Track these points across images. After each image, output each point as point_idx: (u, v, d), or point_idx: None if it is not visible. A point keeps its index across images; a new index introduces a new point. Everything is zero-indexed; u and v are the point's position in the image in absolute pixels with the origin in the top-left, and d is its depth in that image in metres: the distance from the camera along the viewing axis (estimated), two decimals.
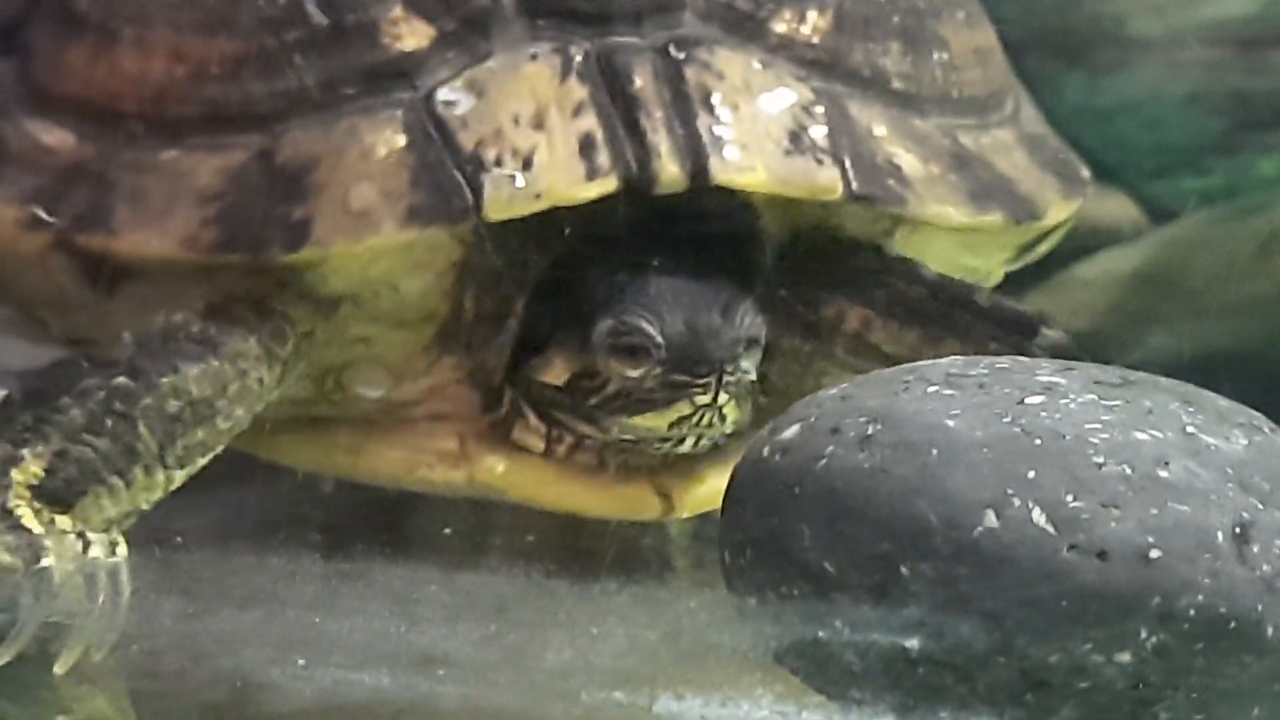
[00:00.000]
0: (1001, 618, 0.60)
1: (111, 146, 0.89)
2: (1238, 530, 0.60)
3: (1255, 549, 0.60)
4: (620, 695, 0.65)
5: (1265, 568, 0.60)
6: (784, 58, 0.92)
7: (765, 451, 0.66)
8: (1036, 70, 1.51)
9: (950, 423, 0.63)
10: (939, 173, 0.93)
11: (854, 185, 0.88)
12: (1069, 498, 0.60)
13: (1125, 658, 0.60)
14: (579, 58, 0.87)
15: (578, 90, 0.86)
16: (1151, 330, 1.32)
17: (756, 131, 0.87)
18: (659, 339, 0.84)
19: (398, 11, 0.88)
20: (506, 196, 0.84)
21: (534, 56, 0.87)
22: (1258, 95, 1.49)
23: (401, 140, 0.86)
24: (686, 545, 1.02)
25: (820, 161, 0.88)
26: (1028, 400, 0.63)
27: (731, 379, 0.84)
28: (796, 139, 0.88)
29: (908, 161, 0.92)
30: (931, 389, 0.64)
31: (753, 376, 0.86)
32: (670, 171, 0.84)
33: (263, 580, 0.83)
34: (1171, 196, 1.46)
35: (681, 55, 0.88)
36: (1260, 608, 0.60)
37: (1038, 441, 0.61)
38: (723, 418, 0.86)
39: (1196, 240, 1.35)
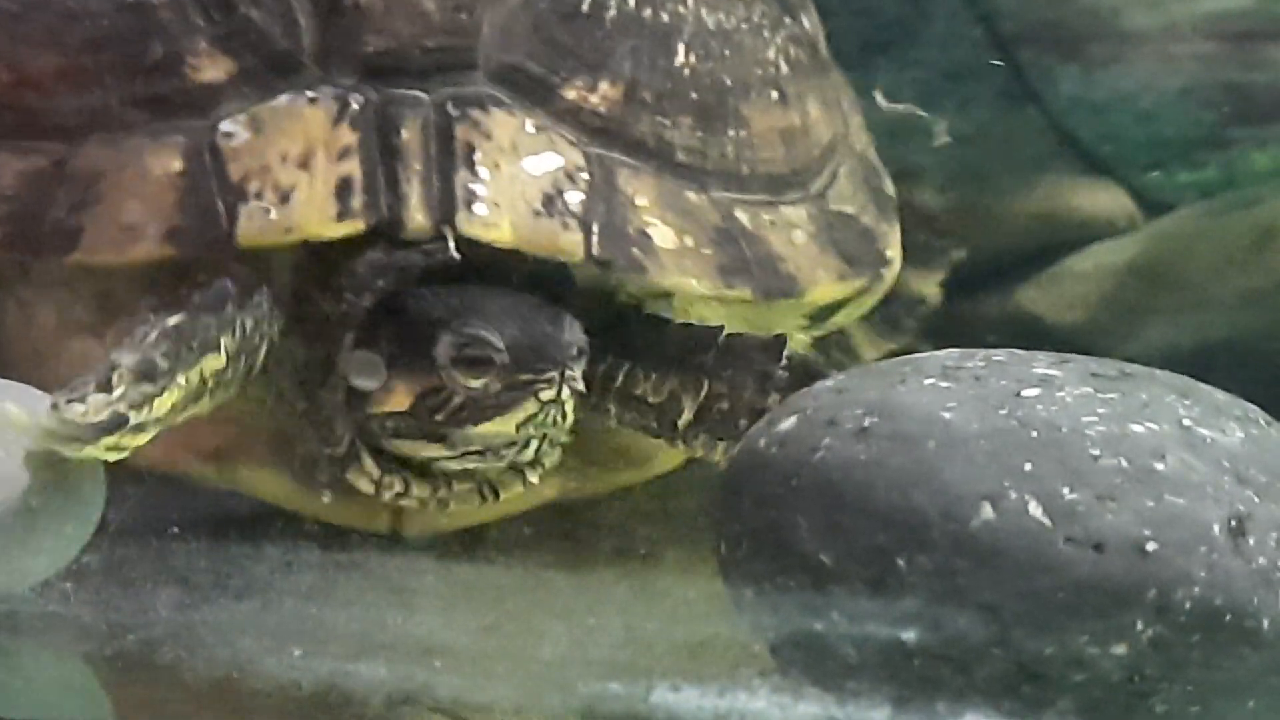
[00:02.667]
0: (998, 610, 0.59)
1: None
2: (1234, 523, 0.60)
3: (1251, 542, 0.60)
4: (617, 686, 0.65)
5: (1261, 560, 0.60)
6: (567, 123, 0.95)
7: (762, 444, 0.66)
8: (1031, 64, 1.51)
9: (947, 415, 0.62)
10: (693, 245, 0.95)
11: (595, 250, 0.91)
12: (1065, 490, 0.60)
13: (1121, 650, 0.59)
14: (355, 105, 0.91)
15: (347, 136, 0.90)
16: (1146, 323, 1.32)
17: (511, 191, 0.90)
18: (500, 345, 0.86)
19: (202, 45, 0.92)
20: (258, 227, 0.88)
21: (313, 100, 0.91)
22: (1252, 88, 1.49)
23: (178, 165, 0.90)
24: (683, 537, 1.02)
25: (566, 225, 0.91)
26: (1024, 393, 0.63)
27: (571, 374, 0.87)
28: (550, 201, 0.91)
29: (661, 233, 0.95)
30: (928, 381, 0.64)
31: (582, 386, 0.88)
32: (417, 220, 0.88)
33: (259, 570, 0.82)
34: (1165, 190, 1.46)
35: (456, 113, 0.92)
36: (1256, 600, 0.60)
37: (1034, 434, 0.61)
38: (564, 415, 0.89)
39: (1191, 233, 1.35)
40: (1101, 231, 1.40)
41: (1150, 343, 1.29)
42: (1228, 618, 0.60)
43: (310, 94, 0.91)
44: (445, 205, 0.89)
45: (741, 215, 0.99)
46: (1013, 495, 0.60)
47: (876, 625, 0.61)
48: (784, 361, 0.93)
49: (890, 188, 1.13)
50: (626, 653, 0.72)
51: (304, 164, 0.89)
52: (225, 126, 0.91)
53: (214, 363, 0.86)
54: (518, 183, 0.91)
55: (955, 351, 0.67)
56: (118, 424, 0.80)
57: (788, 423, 0.66)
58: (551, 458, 0.93)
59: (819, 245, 1.02)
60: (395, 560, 0.86)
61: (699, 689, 0.65)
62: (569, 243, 0.91)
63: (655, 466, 1.03)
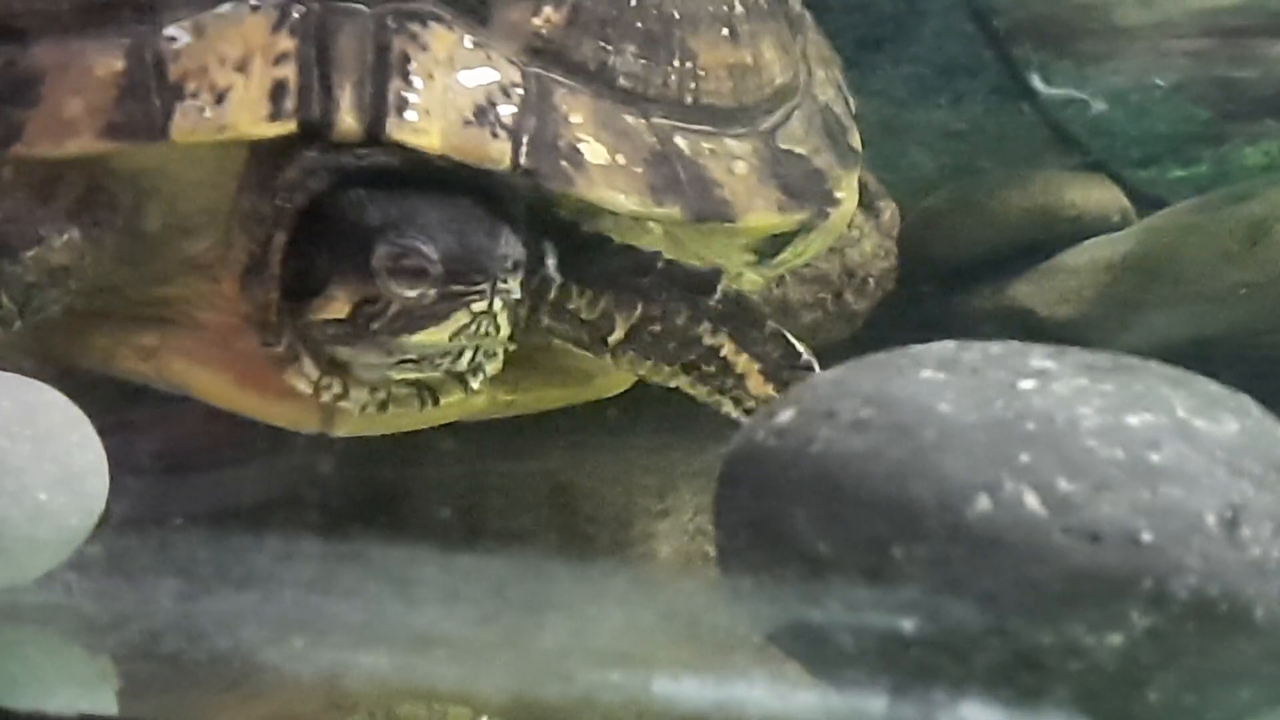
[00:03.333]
0: (995, 599, 0.59)
1: None
2: (1228, 514, 0.60)
3: (1246, 532, 0.60)
4: (617, 676, 0.65)
5: (1256, 551, 0.60)
6: (507, 40, 0.98)
7: (760, 435, 0.66)
8: (1025, 59, 1.52)
9: (944, 407, 0.62)
10: (625, 164, 0.98)
11: (522, 159, 0.94)
12: (1061, 481, 0.60)
13: (1117, 639, 0.59)
14: (295, 15, 0.94)
15: (285, 42, 0.93)
16: (1140, 318, 1.32)
17: (444, 100, 0.94)
18: (434, 256, 0.89)
19: None
20: (191, 125, 0.91)
21: (255, 9, 0.94)
22: (1244, 85, 1.49)
23: (119, 65, 0.93)
24: (680, 528, 1.02)
25: (495, 135, 0.94)
26: (1020, 385, 0.63)
27: (504, 286, 0.89)
28: (482, 113, 0.94)
29: (593, 149, 0.98)
30: (925, 374, 0.64)
31: (517, 295, 0.91)
32: (347, 123, 0.92)
33: (261, 561, 0.83)
34: (1159, 185, 1.46)
35: (394, 25, 0.95)
36: (1251, 590, 0.60)
37: (1030, 426, 0.61)
38: (497, 327, 0.92)
39: (1184, 228, 1.35)
40: (1095, 227, 1.40)
41: (1144, 337, 1.29)
42: (1223, 607, 0.59)
43: (253, 2, 0.94)
44: (376, 110, 0.92)
45: (680, 141, 1.01)
46: (1009, 486, 0.60)
47: (874, 615, 0.61)
48: (718, 293, 0.99)
49: (856, 143, 1.14)
50: (626, 642, 0.72)
51: (241, 67, 0.92)
52: (169, 31, 0.94)
53: None
54: (450, 93, 0.94)
55: (951, 344, 0.66)
56: None
57: (785, 415, 0.65)
58: (491, 365, 0.96)
59: (759, 177, 1.04)
60: (396, 551, 0.86)
61: (698, 678, 0.65)
62: (497, 151, 0.94)
63: (596, 387, 1.07)
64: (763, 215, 1.03)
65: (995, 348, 0.65)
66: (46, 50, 0.94)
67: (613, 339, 0.99)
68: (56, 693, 0.75)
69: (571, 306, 0.99)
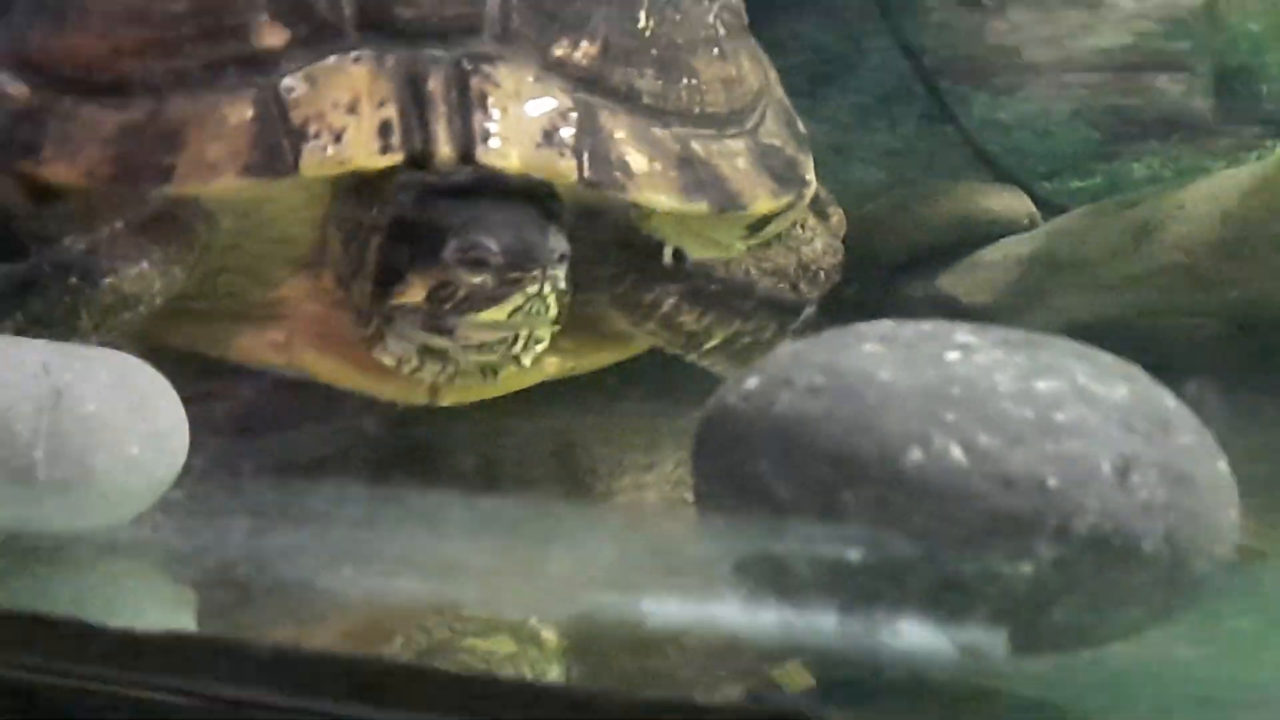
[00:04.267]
0: (926, 535, 0.59)
1: (48, 99, 0.97)
2: (1120, 463, 0.59)
3: (1135, 478, 0.59)
4: (612, 597, 0.65)
5: (1143, 494, 0.59)
6: (557, 75, 0.99)
7: (731, 398, 0.65)
8: (950, 90, 1.51)
9: (884, 374, 0.62)
10: (662, 169, 0.99)
11: (586, 173, 0.96)
12: (981, 436, 0.59)
13: (1028, 568, 0.59)
14: (390, 63, 0.94)
15: (385, 87, 0.93)
16: (1045, 304, 1.32)
17: (518, 128, 0.94)
18: (495, 249, 0.89)
19: (264, 18, 0.96)
20: (318, 161, 0.92)
21: (357, 59, 0.95)
22: (1130, 111, 1.49)
23: (250, 113, 0.93)
24: (665, 477, 1.02)
25: (563, 154, 0.95)
26: (947, 356, 0.62)
27: (552, 273, 0.91)
28: (549, 136, 0.95)
29: (636, 160, 0.99)
30: (868, 348, 0.63)
31: (564, 284, 0.92)
32: (445, 153, 0.93)
33: (316, 504, 0.82)
34: (1060, 194, 1.46)
35: (470, 67, 0.95)
36: (1139, 527, 0.59)
37: (955, 390, 0.61)
38: (547, 308, 0.92)
39: (1081, 230, 1.35)
40: (1007, 229, 1.41)
41: (1049, 319, 1.29)
42: (1116, 542, 0.59)
43: (354, 54, 0.94)
44: (466, 140, 0.93)
45: (695, 146, 1.03)
46: (937, 440, 0.59)
47: (825, 547, 0.60)
48: (802, 316, 1.01)
49: (803, 128, 1.15)
50: (619, 570, 0.72)
51: (351, 110, 0.93)
52: (287, 82, 0.94)
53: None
54: (522, 121, 0.94)
55: (890, 323, 0.66)
56: None
57: (752, 381, 0.65)
58: (536, 349, 0.96)
59: (755, 169, 1.06)
60: (428, 495, 0.85)
61: (679, 599, 0.64)
62: (565, 167, 0.95)
63: (630, 349, 1.08)
64: (765, 202, 1.05)
65: (926, 326, 0.65)
66: (183, 102, 0.94)
67: (708, 346, 1.01)
68: (146, 614, 0.75)
69: (680, 320, 1.01)
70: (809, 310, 1.03)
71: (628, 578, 0.69)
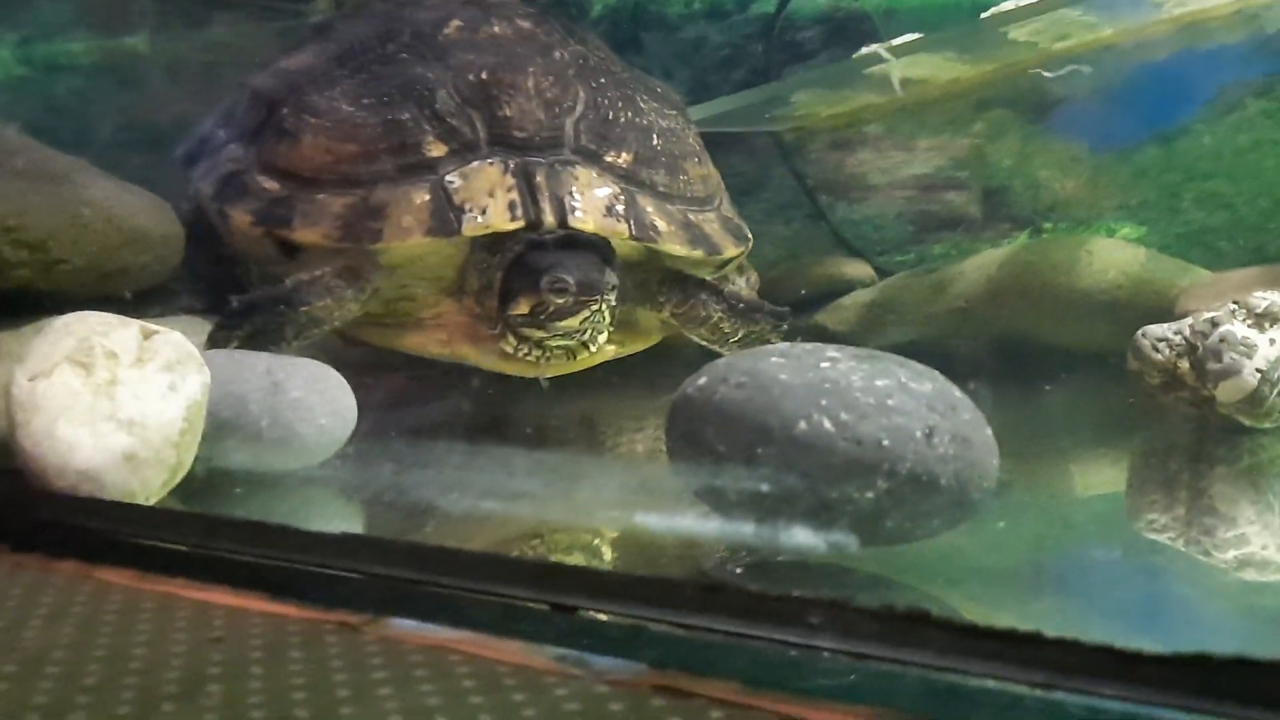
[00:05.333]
0: (808, 476, 0.59)
1: (295, 190, 0.95)
2: (928, 430, 0.59)
3: (936, 440, 0.59)
4: (615, 513, 0.65)
5: (941, 450, 0.59)
6: (609, 172, 0.98)
7: (689, 389, 0.65)
8: (823, 201, 1.51)
9: (783, 375, 0.61)
10: (675, 230, 0.99)
11: (633, 232, 0.95)
12: (842, 413, 0.59)
13: (870, 495, 0.59)
14: (512, 165, 0.94)
15: (510, 180, 0.93)
16: (880, 331, 1.31)
17: (592, 205, 0.94)
18: (571, 282, 0.90)
19: (431, 139, 0.95)
20: (471, 225, 0.91)
21: (490, 163, 0.94)
22: (931, 214, 1.49)
23: (427, 197, 0.92)
24: (650, 436, 1.01)
25: (619, 221, 0.95)
26: (821, 365, 0.62)
27: (607, 298, 0.91)
28: (610, 209, 0.95)
29: (661, 223, 0.98)
30: (774, 359, 0.63)
31: (614, 304, 0.93)
32: (549, 220, 0.92)
33: (435, 454, 0.82)
34: (889, 265, 1.46)
35: (560, 167, 0.95)
36: (938, 470, 0.59)
37: (827, 385, 0.60)
38: (604, 318, 0.93)
39: (902, 286, 1.34)
40: (857, 285, 1.40)
41: (883, 341, 1.29)
42: (924, 479, 0.59)
43: (489, 160, 0.93)
44: (561, 212, 0.92)
45: (690, 216, 1.02)
46: (816, 417, 0.59)
47: (746, 483, 0.60)
48: (785, 320, 1.04)
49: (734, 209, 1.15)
50: (620, 496, 0.72)
51: (490, 194, 0.92)
52: (449, 178, 0.92)
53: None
54: (593, 201, 0.94)
55: (785, 344, 0.66)
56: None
57: (702, 379, 0.65)
58: (599, 340, 0.96)
59: (723, 230, 1.05)
60: (502, 450, 0.85)
61: (657, 514, 0.64)
62: (622, 230, 0.95)
63: (652, 340, 1.07)
64: (731, 250, 1.04)
65: (809, 346, 0.65)
66: (383, 191, 0.93)
67: (733, 340, 1.02)
68: (329, 522, 0.75)
69: (725, 327, 1.01)
70: (788, 320, 1.05)
71: (626, 500, 0.69)
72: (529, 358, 0.96)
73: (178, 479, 0.71)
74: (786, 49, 1.51)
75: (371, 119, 0.96)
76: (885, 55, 1.26)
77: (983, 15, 1.24)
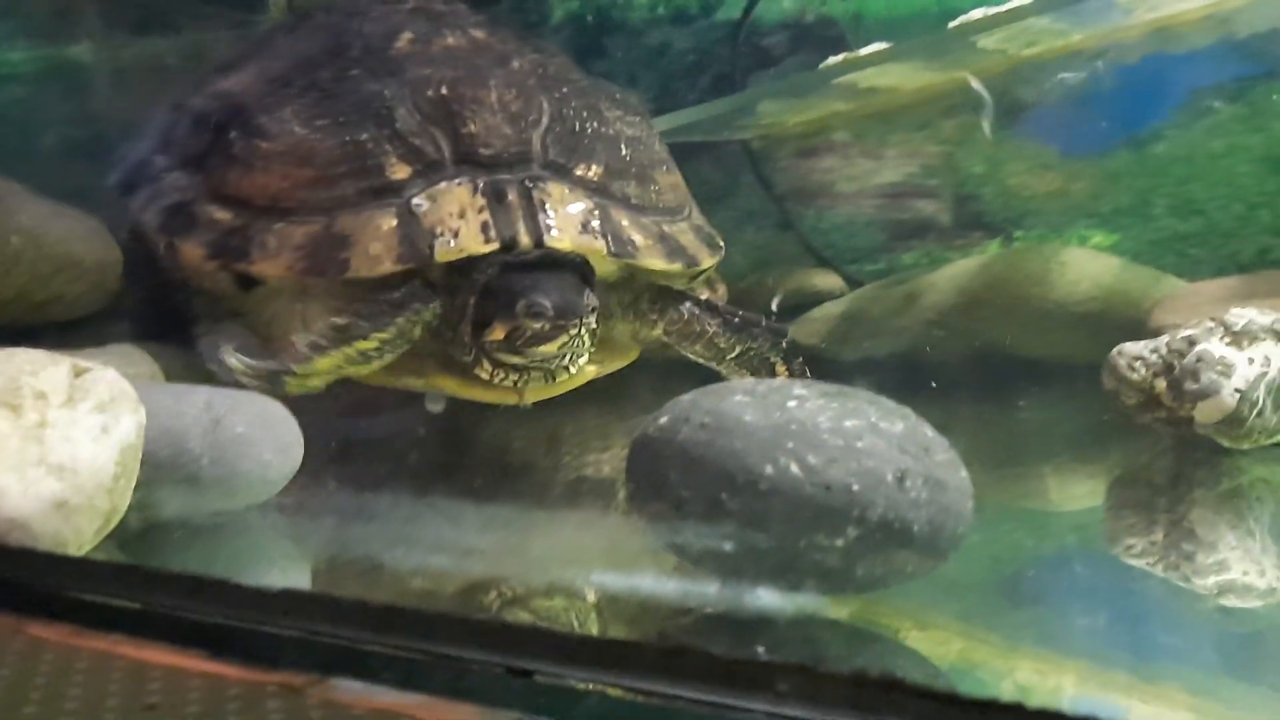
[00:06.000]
0: (775, 523, 0.56)
1: (250, 220, 0.91)
2: (899, 474, 0.57)
3: (908, 484, 0.57)
4: (573, 571, 0.62)
5: (913, 494, 0.57)
6: (581, 186, 0.94)
7: (650, 430, 0.63)
8: (791, 209, 1.49)
9: (748, 416, 0.59)
10: (652, 243, 0.95)
11: (612, 248, 0.92)
12: (810, 457, 0.57)
13: (840, 542, 0.56)
14: (481, 184, 0.90)
15: (480, 200, 0.89)
16: (851, 344, 1.30)
17: (566, 222, 0.90)
18: (549, 306, 0.86)
19: (393, 160, 0.91)
20: (444, 249, 0.87)
21: (459, 184, 0.90)
22: (902, 222, 1.47)
23: (395, 223, 0.88)
24: (617, 457, 0.99)
25: (596, 237, 0.91)
26: (788, 404, 0.60)
27: (586, 321, 0.88)
28: (586, 226, 0.91)
29: (638, 237, 0.94)
30: (737, 398, 0.61)
31: (594, 326, 0.90)
32: (524, 241, 0.89)
33: (380, 505, 0.78)
34: (859, 274, 1.44)
35: (531, 185, 0.91)
36: (910, 516, 0.57)
37: (794, 426, 0.58)
38: (583, 341, 0.89)
39: (872, 298, 1.33)
40: (827, 297, 1.38)
41: (854, 353, 1.27)
42: (896, 525, 0.57)
43: (457, 180, 0.90)
44: (536, 232, 0.88)
45: (665, 228, 0.99)
46: (782, 460, 0.57)
47: (710, 530, 0.58)
48: (785, 337, 1.00)
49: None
50: (578, 553, 0.69)
51: (461, 216, 0.88)
52: (416, 200, 0.89)
53: (364, 345, 0.88)
54: (568, 218, 0.90)
55: (751, 380, 0.63)
56: (280, 374, 0.84)
57: (663, 419, 0.62)
58: (578, 363, 0.92)
59: (698, 241, 1.01)
60: (452, 503, 0.81)
61: (615, 572, 0.62)
62: (599, 247, 0.91)
63: (629, 359, 1.03)
64: (707, 260, 1.01)
65: (775, 383, 0.62)
66: (347, 218, 0.89)
67: (730, 357, 0.99)
68: (269, 569, 0.71)
69: (720, 343, 0.98)
70: (788, 337, 1.02)
71: (583, 557, 0.66)
72: (506, 384, 0.92)
73: (112, 525, 0.68)
74: (752, 54, 1.49)
75: (328, 141, 0.92)
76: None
77: (950, 24, 1.22)
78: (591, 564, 0.63)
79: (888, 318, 1.29)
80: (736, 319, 0.99)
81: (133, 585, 0.61)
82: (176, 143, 1.00)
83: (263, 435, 0.76)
